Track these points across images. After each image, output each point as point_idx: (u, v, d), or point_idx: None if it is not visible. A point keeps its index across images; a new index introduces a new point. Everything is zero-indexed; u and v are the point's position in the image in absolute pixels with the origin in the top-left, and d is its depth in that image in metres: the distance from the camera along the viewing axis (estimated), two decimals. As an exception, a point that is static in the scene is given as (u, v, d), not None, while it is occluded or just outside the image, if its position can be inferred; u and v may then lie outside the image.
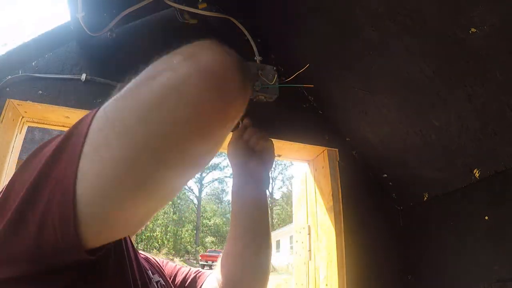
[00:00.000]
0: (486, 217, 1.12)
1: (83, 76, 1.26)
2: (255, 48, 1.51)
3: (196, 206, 32.71)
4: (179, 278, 0.83)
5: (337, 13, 1.21)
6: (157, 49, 1.52)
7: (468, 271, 1.18)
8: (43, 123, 1.30)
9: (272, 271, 17.54)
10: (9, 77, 1.19)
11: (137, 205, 0.38)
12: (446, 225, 1.30)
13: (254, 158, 0.87)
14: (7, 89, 1.19)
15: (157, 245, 24.07)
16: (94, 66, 1.30)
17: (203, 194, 34.98)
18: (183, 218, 31.34)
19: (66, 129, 0.83)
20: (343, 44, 1.28)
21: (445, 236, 1.30)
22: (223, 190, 36.79)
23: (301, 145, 1.50)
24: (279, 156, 1.62)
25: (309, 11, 1.28)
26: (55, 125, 1.31)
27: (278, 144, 1.47)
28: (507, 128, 1.01)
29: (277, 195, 33.93)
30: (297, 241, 1.65)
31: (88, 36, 1.23)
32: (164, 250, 23.94)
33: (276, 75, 1.09)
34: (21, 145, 1.28)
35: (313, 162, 1.63)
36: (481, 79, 0.99)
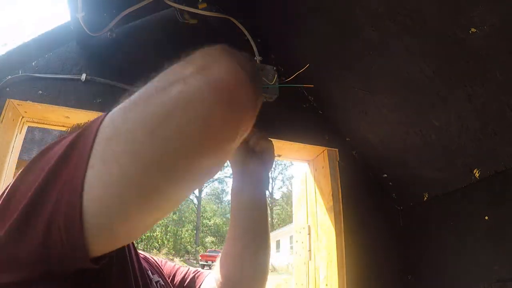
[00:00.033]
0: (486, 217, 1.12)
1: (83, 76, 1.26)
2: (255, 48, 1.51)
3: (196, 206, 32.71)
4: (178, 278, 0.83)
5: (337, 13, 1.21)
6: (157, 49, 1.52)
7: (468, 271, 1.18)
8: (43, 123, 1.30)
9: (272, 271, 17.54)
10: (9, 77, 1.19)
11: (143, 216, 0.38)
12: (446, 225, 1.30)
13: (254, 159, 0.86)
14: (7, 89, 1.19)
15: (157, 245, 24.07)
16: (94, 66, 1.30)
17: (203, 194, 35.00)
18: (183, 218, 31.34)
19: (66, 129, 0.83)
20: (343, 44, 1.28)
21: (445, 236, 1.30)
22: (223, 190, 36.83)
23: (301, 145, 1.50)
24: (279, 156, 1.62)
25: (309, 11, 1.29)
26: (55, 125, 1.31)
27: (278, 144, 1.47)
28: (507, 128, 1.01)
29: (277, 195, 33.98)
30: (297, 241, 1.65)
31: (88, 36, 1.23)
32: (164, 250, 23.94)
33: (276, 75, 1.09)
34: (21, 145, 1.28)
35: (313, 162, 1.63)
36: (481, 79, 0.99)
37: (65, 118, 1.26)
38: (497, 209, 1.10)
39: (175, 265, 0.87)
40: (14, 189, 0.40)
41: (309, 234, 1.56)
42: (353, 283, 1.35)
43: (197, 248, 28.03)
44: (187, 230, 29.70)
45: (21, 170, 0.43)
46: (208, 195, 36.68)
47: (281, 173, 33.82)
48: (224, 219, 32.51)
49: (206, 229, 31.60)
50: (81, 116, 1.23)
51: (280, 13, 1.45)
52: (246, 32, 1.52)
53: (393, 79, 1.21)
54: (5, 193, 0.41)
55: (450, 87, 1.07)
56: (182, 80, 0.36)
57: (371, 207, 1.51)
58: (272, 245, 21.67)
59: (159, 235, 24.73)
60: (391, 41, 1.11)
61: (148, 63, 1.37)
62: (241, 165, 0.87)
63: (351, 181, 1.51)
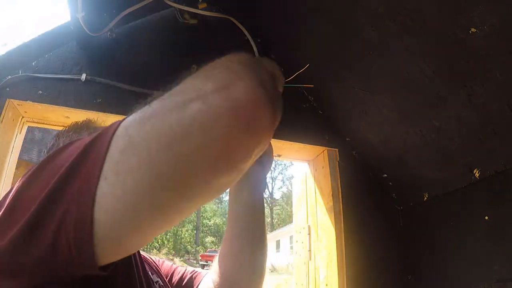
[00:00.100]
0: (486, 217, 1.12)
1: (83, 76, 1.26)
2: (255, 48, 1.51)
3: (196, 206, 32.61)
4: (175, 278, 0.84)
5: (337, 13, 1.21)
6: (157, 49, 1.52)
7: (468, 271, 1.18)
8: (43, 123, 1.30)
9: (272, 271, 17.52)
10: (9, 77, 1.19)
11: (154, 228, 0.38)
12: (446, 225, 1.30)
13: None
14: (7, 89, 1.19)
15: (157, 245, 24.07)
16: (94, 66, 1.30)
17: (203, 194, 34.86)
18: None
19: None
20: (343, 44, 1.28)
21: (445, 236, 1.30)
22: (223, 190, 36.69)
23: (301, 145, 1.50)
24: (279, 156, 1.62)
25: (309, 11, 1.29)
26: (55, 125, 1.31)
27: (278, 144, 1.47)
28: (507, 128, 1.01)
29: (277, 195, 33.97)
30: (297, 241, 1.65)
31: (88, 36, 1.23)
32: (164, 250, 23.94)
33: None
34: (21, 145, 1.28)
35: (313, 162, 1.63)
36: (481, 79, 0.99)
37: (65, 118, 1.26)
38: (497, 209, 1.10)
39: (172, 264, 0.87)
40: (19, 195, 0.40)
41: (309, 234, 1.56)
42: (353, 283, 1.35)
43: (197, 248, 28.02)
44: (187, 230, 29.70)
45: (26, 176, 0.42)
46: (208, 195, 36.57)
47: (281, 173, 33.84)
48: (224, 219, 32.50)
49: (206, 229, 31.61)
50: (81, 116, 1.22)
51: (280, 13, 1.45)
52: (246, 32, 1.52)
53: (393, 79, 1.21)
54: (10, 199, 0.40)
55: (450, 87, 1.07)
56: (202, 98, 0.35)
57: (371, 207, 1.51)
58: (272, 245, 21.68)
59: (159, 235, 24.71)
60: (391, 41, 1.11)
61: (148, 63, 1.38)
62: None
63: (351, 181, 1.51)
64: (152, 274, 0.73)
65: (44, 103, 1.20)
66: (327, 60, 1.40)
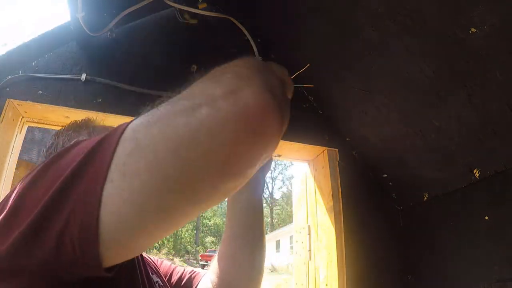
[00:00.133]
0: (486, 217, 1.12)
1: (83, 76, 1.26)
2: (255, 48, 1.51)
3: (196, 206, 32.61)
4: (174, 278, 0.84)
5: (337, 13, 1.21)
6: (157, 49, 1.52)
7: (468, 271, 1.18)
8: (43, 123, 1.30)
9: (272, 271, 17.52)
10: (9, 77, 1.19)
11: (159, 231, 0.38)
12: (446, 225, 1.30)
13: None
14: (7, 89, 1.19)
15: (157, 245, 24.06)
16: (94, 66, 1.30)
17: (203, 194, 34.87)
18: (183, 218, 31.22)
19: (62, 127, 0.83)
20: (343, 44, 1.28)
21: (445, 236, 1.30)
22: (223, 190, 36.68)
23: (301, 145, 1.50)
24: (279, 156, 1.62)
25: (309, 11, 1.29)
26: (55, 125, 1.31)
27: (278, 144, 1.47)
28: (507, 128, 1.01)
29: (277, 195, 33.96)
30: (297, 241, 1.65)
31: (88, 36, 1.23)
32: (164, 250, 23.95)
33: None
34: (21, 145, 1.28)
35: (313, 162, 1.63)
36: (481, 79, 0.99)
37: (65, 118, 1.26)
38: (497, 209, 1.10)
39: (171, 264, 0.88)
40: (23, 196, 0.40)
41: (309, 234, 1.56)
42: (353, 283, 1.35)
43: (197, 248, 28.03)
44: (187, 230, 29.70)
45: (29, 177, 0.42)
46: (208, 195, 36.58)
47: (281, 173, 33.82)
48: (224, 219, 32.33)
49: (206, 229, 31.61)
50: (81, 116, 1.21)
51: (280, 13, 1.45)
52: (246, 32, 1.52)
53: (393, 79, 1.21)
54: (13, 200, 0.40)
55: (450, 87, 1.07)
56: (211, 103, 0.35)
57: (371, 207, 1.51)
58: (272, 245, 21.67)
59: (160, 235, 24.65)
60: (391, 41, 1.11)
61: (148, 63, 1.38)
62: None
63: (351, 181, 1.51)
64: (152, 274, 0.73)
65: (44, 103, 1.20)
66: (327, 60, 1.40)
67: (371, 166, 1.56)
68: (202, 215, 31.80)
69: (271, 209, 32.17)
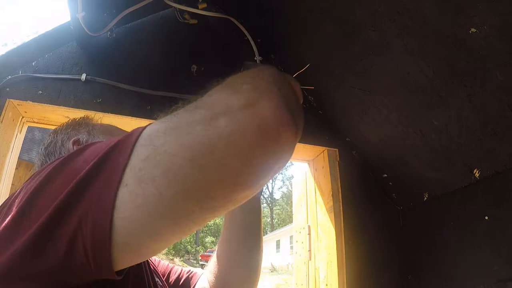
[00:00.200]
0: (486, 217, 1.12)
1: (83, 76, 1.26)
2: (255, 48, 1.51)
3: (196, 206, 32.59)
4: (172, 278, 0.84)
5: (337, 13, 1.21)
6: (157, 49, 1.52)
7: (468, 271, 1.18)
8: (43, 123, 1.30)
9: (272, 271, 17.51)
10: (9, 77, 1.19)
11: (172, 236, 0.38)
12: (446, 225, 1.30)
13: None
14: (7, 89, 1.19)
15: (157, 245, 24.05)
16: (94, 66, 1.30)
17: (203, 194, 34.87)
18: (183, 218, 31.20)
19: (61, 125, 0.83)
20: (343, 44, 1.28)
21: (445, 236, 1.30)
22: (223, 190, 36.66)
23: (301, 145, 1.50)
24: (279, 156, 1.61)
25: (309, 11, 1.28)
26: (55, 125, 1.30)
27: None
28: (507, 128, 1.01)
29: (277, 195, 33.97)
30: (297, 241, 1.65)
31: (88, 36, 1.23)
32: (164, 250, 23.96)
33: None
34: (21, 145, 1.28)
35: (313, 162, 1.63)
36: (481, 79, 0.99)
37: (65, 118, 1.26)
38: (497, 209, 1.10)
39: (168, 264, 0.88)
40: (33, 198, 0.39)
41: (309, 234, 1.56)
42: (353, 283, 1.35)
43: (197, 248, 28.03)
44: (187, 230, 29.66)
45: (37, 178, 0.41)
46: (208, 195, 36.57)
47: (281, 173, 33.79)
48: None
49: (206, 229, 31.60)
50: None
51: (280, 13, 1.45)
52: (246, 32, 1.52)
53: (393, 79, 1.21)
54: (21, 201, 0.40)
55: (450, 87, 1.07)
56: (229, 114, 0.36)
57: (371, 207, 1.51)
58: (272, 245, 21.66)
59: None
60: (391, 41, 1.11)
61: (148, 63, 1.38)
62: None
63: (351, 181, 1.51)
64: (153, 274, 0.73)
65: (44, 103, 1.20)
66: (327, 60, 1.40)
67: (371, 166, 1.56)
68: (202, 215, 31.72)
69: (271, 209, 32.17)
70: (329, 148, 1.54)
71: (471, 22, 0.89)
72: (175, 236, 0.38)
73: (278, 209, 32.91)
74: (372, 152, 1.53)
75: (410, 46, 1.07)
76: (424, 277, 1.38)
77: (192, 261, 24.13)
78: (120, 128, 0.83)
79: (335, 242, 1.39)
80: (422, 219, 1.44)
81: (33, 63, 1.24)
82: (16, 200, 0.42)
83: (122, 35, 1.38)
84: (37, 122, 1.30)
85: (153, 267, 0.81)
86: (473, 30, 0.90)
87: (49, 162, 0.72)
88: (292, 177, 1.94)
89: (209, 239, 30.57)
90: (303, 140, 1.50)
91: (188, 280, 0.84)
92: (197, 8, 1.41)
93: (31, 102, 1.19)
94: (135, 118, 1.27)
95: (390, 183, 1.53)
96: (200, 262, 19.92)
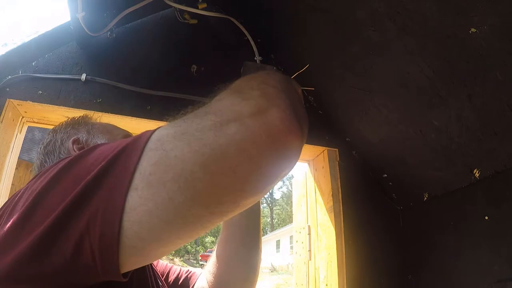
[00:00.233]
0: (486, 217, 1.12)
1: (83, 76, 1.26)
2: (255, 48, 1.51)
3: (196, 206, 32.58)
4: (171, 278, 0.85)
5: (337, 13, 1.21)
6: (157, 49, 1.52)
7: (468, 271, 1.18)
8: (43, 123, 1.30)
9: (272, 271, 17.50)
10: (9, 77, 1.19)
11: (180, 240, 0.39)
12: (446, 225, 1.30)
13: None
14: (7, 89, 1.19)
15: (157, 245, 24.04)
16: (94, 66, 1.30)
17: (203, 194, 34.86)
18: (183, 218, 31.20)
19: (60, 124, 0.83)
20: (343, 44, 1.28)
21: (445, 236, 1.30)
22: (223, 190, 36.67)
23: (301, 145, 1.50)
24: (279, 156, 1.61)
25: (309, 11, 1.28)
26: (55, 125, 1.30)
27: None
28: (507, 128, 1.01)
29: (277, 195, 33.95)
30: (297, 241, 1.65)
31: (88, 36, 1.23)
32: (165, 250, 23.92)
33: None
34: (21, 145, 1.28)
35: (313, 162, 1.63)
36: (481, 79, 0.99)
37: (65, 118, 1.24)
38: (497, 209, 1.10)
39: (167, 264, 0.88)
40: (39, 199, 0.39)
41: (309, 234, 1.56)
42: (353, 283, 1.35)
43: (197, 248, 28.03)
44: (187, 230, 29.67)
45: (43, 179, 0.41)
46: (208, 195, 36.58)
47: (281, 173, 33.75)
48: (224, 219, 32.36)
49: (206, 229, 31.59)
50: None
51: (280, 13, 1.45)
52: (246, 32, 1.52)
53: (393, 79, 1.21)
54: (27, 202, 0.39)
55: (450, 87, 1.07)
56: (239, 120, 0.37)
57: (371, 207, 1.51)
58: (272, 245, 21.65)
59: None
60: (391, 41, 1.11)
61: (148, 63, 1.38)
62: None
63: (351, 181, 1.51)
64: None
65: (44, 103, 1.20)
66: (327, 60, 1.40)
67: (371, 166, 1.56)
68: (202, 215, 31.72)
69: (271, 209, 32.17)
70: (329, 148, 1.54)
71: (471, 22, 0.89)
72: (183, 239, 0.39)
73: (278, 209, 32.91)
74: (372, 152, 1.53)
75: (410, 46, 1.07)
76: (424, 277, 1.38)
77: (192, 261, 24.13)
78: (119, 127, 0.83)
79: (335, 242, 1.39)
80: (422, 219, 1.44)
81: (33, 63, 1.24)
82: (21, 201, 0.41)
83: (122, 35, 1.38)
84: (37, 122, 1.30)
85: (153, 266, 0.81)
86: (473, 30, 0.90)
87: (51, 162, 0.72)
88: (292, 177, 1.94)
89: (209, 239, 30.58)
90: (303, 140, 1.50)
91: (187, 280, 0.85)
92: (197, 8, 1.41)
93: (31, 102, 1.19)
94: (135, 118, 1.27)
95: (390, 183, 1.53)
96: (200, 262, 19.92)
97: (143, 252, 0.37)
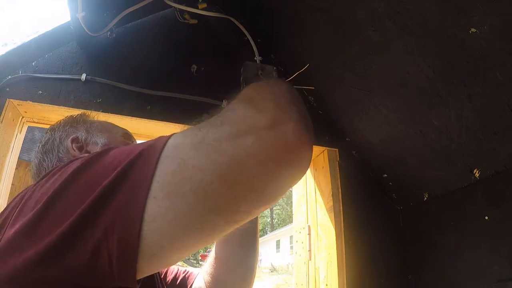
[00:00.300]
0: (486, 217, 1.12)
1: (83, 76, 1.26)
2: (255, 48, 1.51)
3: (196, 206, 32.58)
4: (169, 277, 0.85)
5: (337, 13, 1.21)
6: (157, 49, 1.52)
7: (468, 271, 1.18)
8: (43, 123, 1.30)
9: (272, 271, 17.51)
10: (9, 77, 1.19)
11: (196, 247, 0.39)
12: (446, 225, 1.30)
13: None
14: (7, 89, 1.18)
15: (157, 245, 24.02)
16: (94, 66, 1.30)
17: (203, 194, 34.86)
18: (183, 218, 31.21)
19: (58, 122, 0.82)
20: (343, 44, 1.28)
21: (445, 236, 1.30)
22: (223, 190, 36.67)
23: (301, 145, 1.50)
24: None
25: (309, 11, 1.28)
26: (55, 125, 1.31)
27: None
28: (507, 128, 1.01)
29: (277, 195, 33.86)
30: (297, 241, 1.65)
31: (88, 36, 1.23)
32: (164, 250, 23.89)
33: (276, 75, 1.09)
34: (21, 145, 1.28)
35: (313, 162, 1.63)
36: (481, 79, 0.98)
37: (65, 118, 1.26)
38: (497, 209, 1.10)
39: None
40: (50, 203, 0.38)
41: (309, 234, 1.56)
42: (353, 283, 1.35)
43: (197, 248, 28.03)
44: (187, 230, 29.67)
45: (55, 181, 0.41)
46: (208, 195, 36.57)
47: (281, 173, 33.73)
48: (224, 219, 32.34)
49: (206, 229, 31.60)
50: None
51: (280, 13, 1.45)
52: (246, 32, 1.52)
53: (393, 79, 1.21)
54: (38, 204, 0.39)
55: (450, 87, 1.07)
56: (255, 133, 0.38)
57: (371, 207, 1.51)
58: (272, 245, 21.64)
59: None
60: (391, 41, 1.11)
61: (148, 63, 1.38)
62: None
63: (351, 181, 1.50)
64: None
65: (44, 103, 1.20)
66: (327, 60, 1.40)
67: (371, 166, 1.56)
68: (202, 215, 31.70)
69: (271, 209, 32.15)
70: (329, 148, 1.54)
71: (471, 22, 0.89)
72: (197, 247, 0.40)
73: (278, 209, 32.91)
74: (372, 152, 1.53)
75: (410, 46, 1.07)
76: (424, 277, 1.38)
77: (192, 261, 24.11)
78: (117, 125, 0.83)
79: (335, 242, 1.39)
80: (422, 219, 1.44)
81: (33, 63, 1.24)
82: (29, 202, 0.41)
83: (122, 35, 1.38)
84: (37, 122, 1.30)
85: None
86: (473, 30, 0.90)
87: (49, 161, 0.72)
88: (292, 177, 1.94)
89: (209, 239, 30.54)
90: (303, 140, 1.50)
91: (185, 280, 0.85)
92: (197, 8, 1.41)
93: (31, 102, 1.19)
94: (135, 118, 1.27)
95: (390, 183, 1.53)
96: (200, 262, 19.91)
97: (161, 259, 0.37)
